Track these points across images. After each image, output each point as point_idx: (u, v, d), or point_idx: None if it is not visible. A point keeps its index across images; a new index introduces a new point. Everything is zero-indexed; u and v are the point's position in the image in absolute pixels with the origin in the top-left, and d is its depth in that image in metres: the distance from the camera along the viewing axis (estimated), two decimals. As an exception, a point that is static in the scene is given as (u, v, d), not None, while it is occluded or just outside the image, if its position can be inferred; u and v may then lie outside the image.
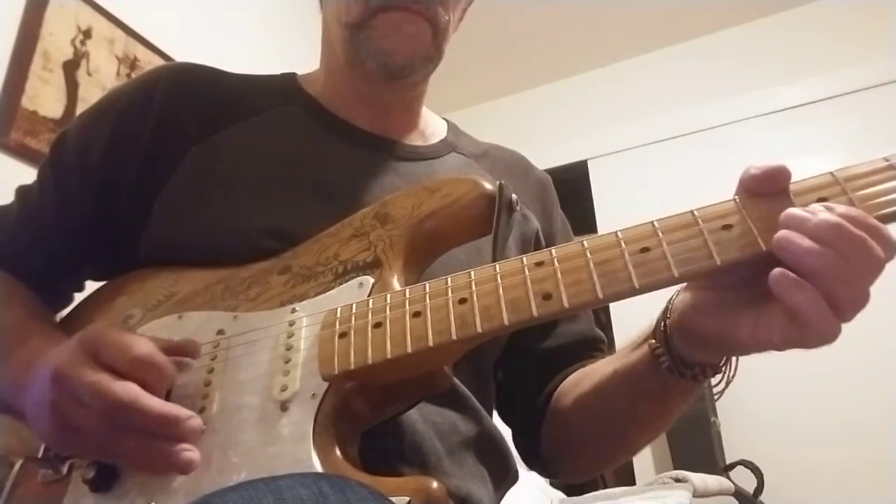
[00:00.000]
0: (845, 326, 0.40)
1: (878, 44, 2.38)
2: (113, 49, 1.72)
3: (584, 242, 0.46)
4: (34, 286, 0.69)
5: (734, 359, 0.51)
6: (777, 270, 0.40)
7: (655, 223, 0.44)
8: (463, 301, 0.46)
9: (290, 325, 0.53)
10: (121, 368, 0.46)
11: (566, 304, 0.43)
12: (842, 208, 0.40)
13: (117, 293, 0.65)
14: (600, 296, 0.43)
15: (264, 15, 2.25)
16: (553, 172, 0.90)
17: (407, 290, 0.50)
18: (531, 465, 0.77)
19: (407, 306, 0.48)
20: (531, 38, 2.78)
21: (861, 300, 0.40)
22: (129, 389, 0.45)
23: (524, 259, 0.47)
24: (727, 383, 0.52)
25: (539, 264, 0.46)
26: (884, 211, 0.40)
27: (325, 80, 0.77)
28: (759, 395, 2.06)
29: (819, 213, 0.40)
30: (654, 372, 0.53)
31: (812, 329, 0.40)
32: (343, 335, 0.49)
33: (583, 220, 2.43)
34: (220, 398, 0.51)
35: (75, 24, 1.63)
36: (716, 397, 0.53)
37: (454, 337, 0.45)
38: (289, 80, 0.78)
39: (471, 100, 2.95)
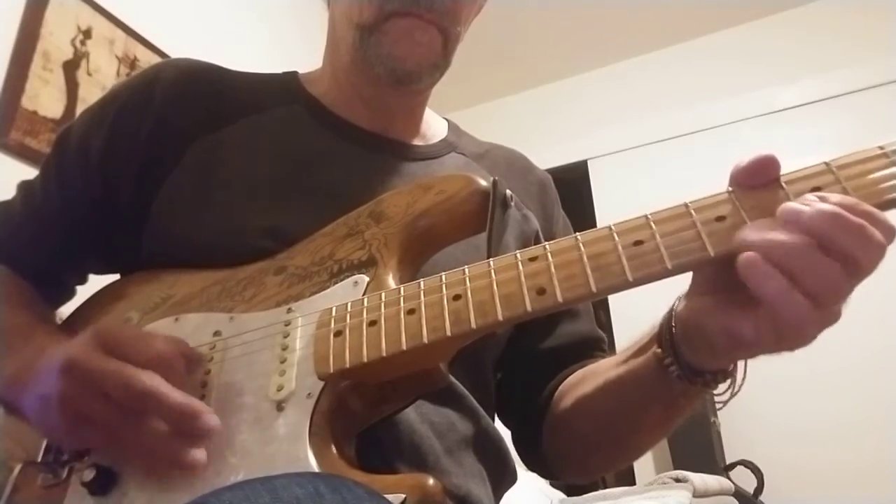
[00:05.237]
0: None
1: (877, 44, 2.38)
2: (113, 49, 1.72)
3: (578, 236, 0.46)
4: (37, 280, 0.69)
5: (742, 368, 0.50)
6: (744, 255, 0.39)
7: (649, 216, 0.44)
8: (457, 297, 0.46)
9: (286, 325, 0.53)
10: (140, 362, 0.47)
11: (560, 299, 0.43)
12: (836, 197, 0.39)
13: (116, 296, 0.66)
14: (594, 289, 0.43)
15: (264, 15, 2.26)
16: (553, 172, 0.90)
17: (402, 288, 0.49)
18: (531, 467, 0.76)
19: (402, 304, 0.48)
20: (531, 38, 2.78)
21: (837, 285, 0.38)
22: (152, 378, 0.46)
23: (518, 254, 0.47)
24: (732, 395, 0.50)
25: (533, 259, 0.46)
26: (882, 198, 0.39)
27: (328, 79, 0.76)
28: (759, 395, 2.04)
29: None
30: (663, 379, 0.52)
31: (783, 319, 0.39)
32: (338, 334, 0.49)
33: (583, 220, 2.42)
34: (216, 399, 0.51)
35: (75, 24, 1.63)
36: (718, 406, 0.51)
37: (449, 333, 0.45)
38: (290, 79, 0.78)
39: (471, 100, 2.95)
